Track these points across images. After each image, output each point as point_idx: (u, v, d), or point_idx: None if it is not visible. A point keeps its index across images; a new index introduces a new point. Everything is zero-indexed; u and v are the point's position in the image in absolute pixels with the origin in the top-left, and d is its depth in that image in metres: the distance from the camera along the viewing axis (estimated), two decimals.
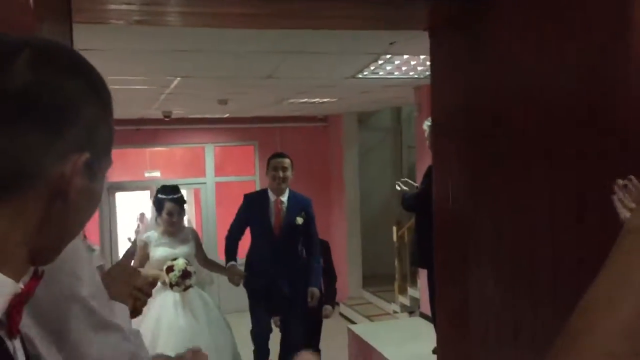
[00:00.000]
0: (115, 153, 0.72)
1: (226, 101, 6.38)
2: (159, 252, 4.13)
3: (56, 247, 0.69)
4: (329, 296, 4.96)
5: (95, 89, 0.67)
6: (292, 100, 6.63)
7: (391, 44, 3.71)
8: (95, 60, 0.70)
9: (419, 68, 4.59)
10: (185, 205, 4.31)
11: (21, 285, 0.63)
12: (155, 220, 4.29)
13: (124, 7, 2.48)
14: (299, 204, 4.51)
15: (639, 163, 1.63)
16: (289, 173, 4.44)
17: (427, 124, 3.91)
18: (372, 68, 4.51)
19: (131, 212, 9.84)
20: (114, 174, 8.65)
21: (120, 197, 9.16)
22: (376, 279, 8.65)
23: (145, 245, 4.21)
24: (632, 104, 1.67)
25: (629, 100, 1.67)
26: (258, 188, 9.58)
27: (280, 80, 5.05)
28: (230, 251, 4.47)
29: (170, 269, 4.00)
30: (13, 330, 0.62)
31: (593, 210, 1.83)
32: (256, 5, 2.52)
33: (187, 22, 2.90)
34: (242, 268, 4.52)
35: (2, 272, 0.60)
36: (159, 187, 4.33)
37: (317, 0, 2.49)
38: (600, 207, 1.77)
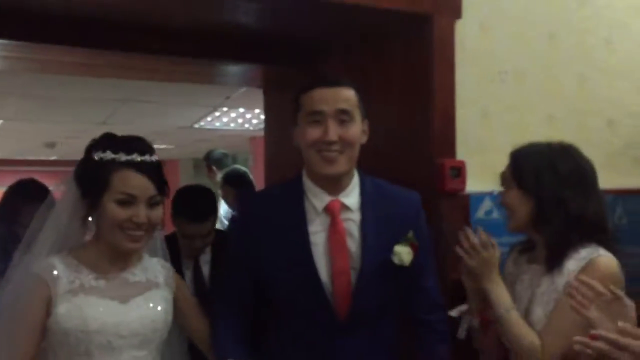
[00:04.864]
0: None
1: (54, 144, 6.09)
2: (81, 312, 1.38)
3: None
4: None
5: None
6: None
7: (227, 97, 3.87)
8: None
9: (254, 121, 4.81)
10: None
11: None
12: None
13: None
14: (395, 209, 1.64)
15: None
16: (356, 127, 1.60)
17: (219, 177, 3.99)
18: (208, 119, 4.63)
19: None
20: None
21: None
22: None
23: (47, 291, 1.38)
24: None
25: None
26: None
27: (115, 127, 4.95)
28: (220, 337, 1.61)
29: None
30: None
31: None
32: (89, 55, 2.52)
33: (10, 67, 2.79)
34: None
35: None
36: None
37: (153, 55, 2.55)
38: None
